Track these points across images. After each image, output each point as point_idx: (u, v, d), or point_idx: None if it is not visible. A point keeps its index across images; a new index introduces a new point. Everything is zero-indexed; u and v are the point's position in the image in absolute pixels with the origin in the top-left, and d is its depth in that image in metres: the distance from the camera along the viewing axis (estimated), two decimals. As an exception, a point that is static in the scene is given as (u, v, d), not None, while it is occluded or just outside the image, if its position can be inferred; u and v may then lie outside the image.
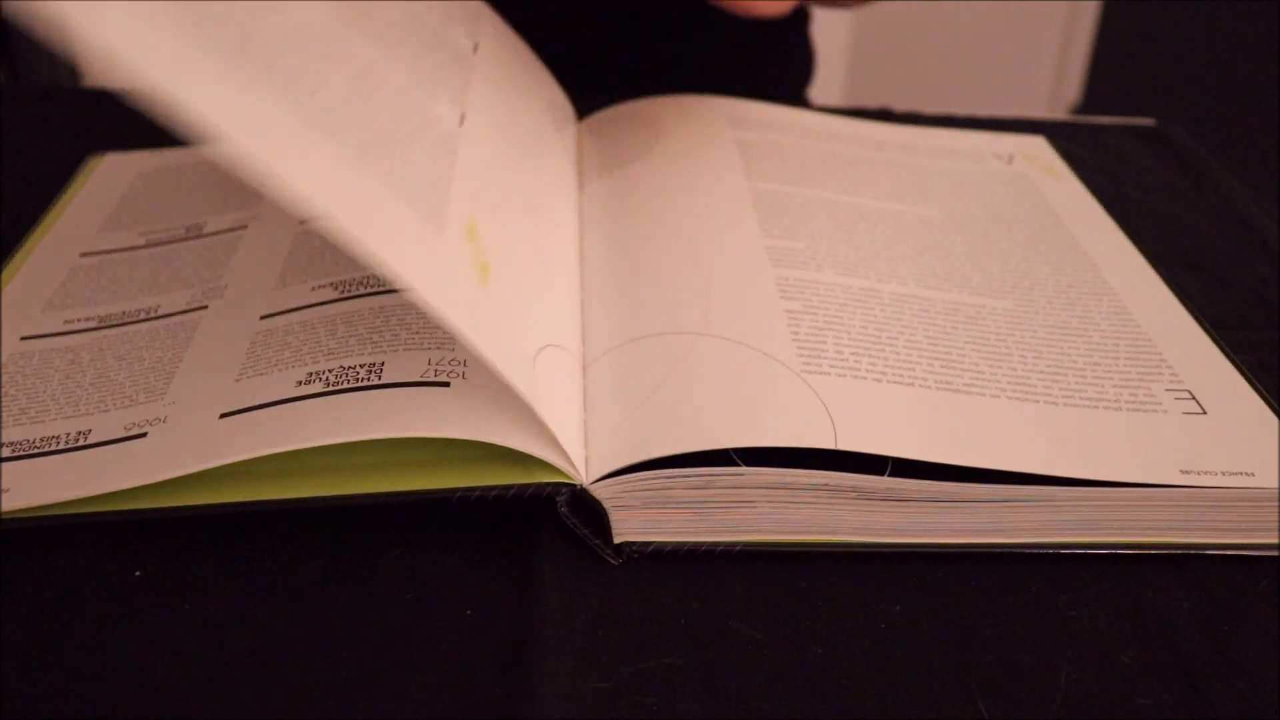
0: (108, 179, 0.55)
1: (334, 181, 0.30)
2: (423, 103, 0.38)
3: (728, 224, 0.48)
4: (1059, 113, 1.99)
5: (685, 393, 0.37)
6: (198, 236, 0.49)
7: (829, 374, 0.38)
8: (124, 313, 0.44)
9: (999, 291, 0.46)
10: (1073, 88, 1.99)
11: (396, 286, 0.31)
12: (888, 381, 0.38)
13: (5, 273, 0.47)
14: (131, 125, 0.63)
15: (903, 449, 0.35)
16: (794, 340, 0.40)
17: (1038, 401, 0.39)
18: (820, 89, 0.87)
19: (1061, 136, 0.62)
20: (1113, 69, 2.01)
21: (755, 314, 0.41)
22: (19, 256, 0.48)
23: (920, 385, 0.39)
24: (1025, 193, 0.55)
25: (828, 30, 0.86)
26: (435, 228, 0.34)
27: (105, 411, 0.38)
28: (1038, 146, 0.60)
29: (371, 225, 0.30)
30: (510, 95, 0.48)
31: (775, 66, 0.82)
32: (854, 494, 0.35)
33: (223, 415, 0.36)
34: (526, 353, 0.36)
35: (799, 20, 0.83)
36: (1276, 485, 0.36)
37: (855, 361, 0.39)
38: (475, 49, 0.48)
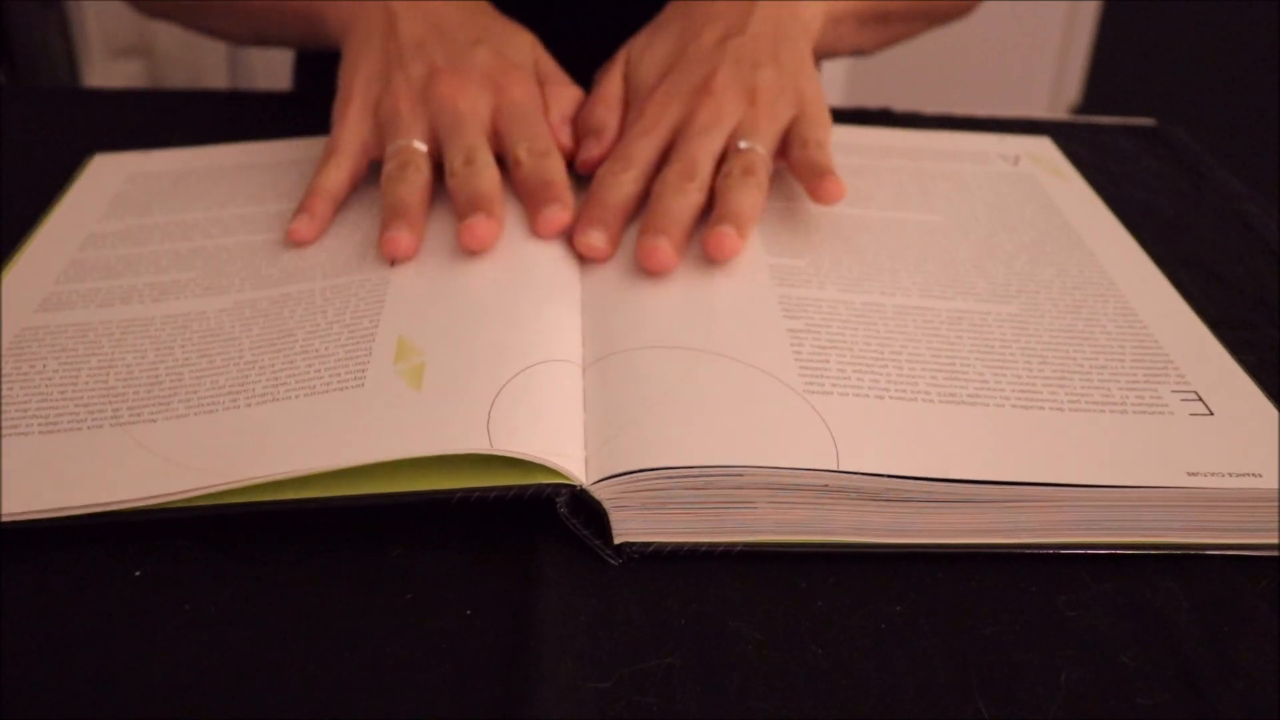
0: (102, 180, 0.55)
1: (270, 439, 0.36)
2: (343, 290, 0.44)
3: None
4: (1059, 113, 1.99)
5: (687, 408, 0.37)
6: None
7: (831, 393, 0.38)
8: (123, 319, 0.44)
9: (1004, 296, 0.45)
10: (1073, 88, 1.99)
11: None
12: (890, 398, 0.38)
13: (6, 270, 0.47)
14: (131, 125, 0.63)
15: (905, 466, 0.35)
16: (796, 360, 0.40)
17: (1043, 408, 0.39)
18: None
19: (1062, 136, 0.62)
20: (1113, 69, 2.01)
21: (757, 333, 0.41)
22: (20, 254, 0.48)
23: (924, 400, 0.39)
24: (1031, 194, 0.55)
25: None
26: (357, 388, 0.38)
27: (94, 427, 0.38)
28: (1043, 147, 0.60)
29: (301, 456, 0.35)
30: None
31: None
32: (854, 494, 0.35)
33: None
34: (482, 401, 0.37)
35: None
36: (1278, 486, 0.36)
37: (858, 380, 0.39)
38: None
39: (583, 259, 0.46)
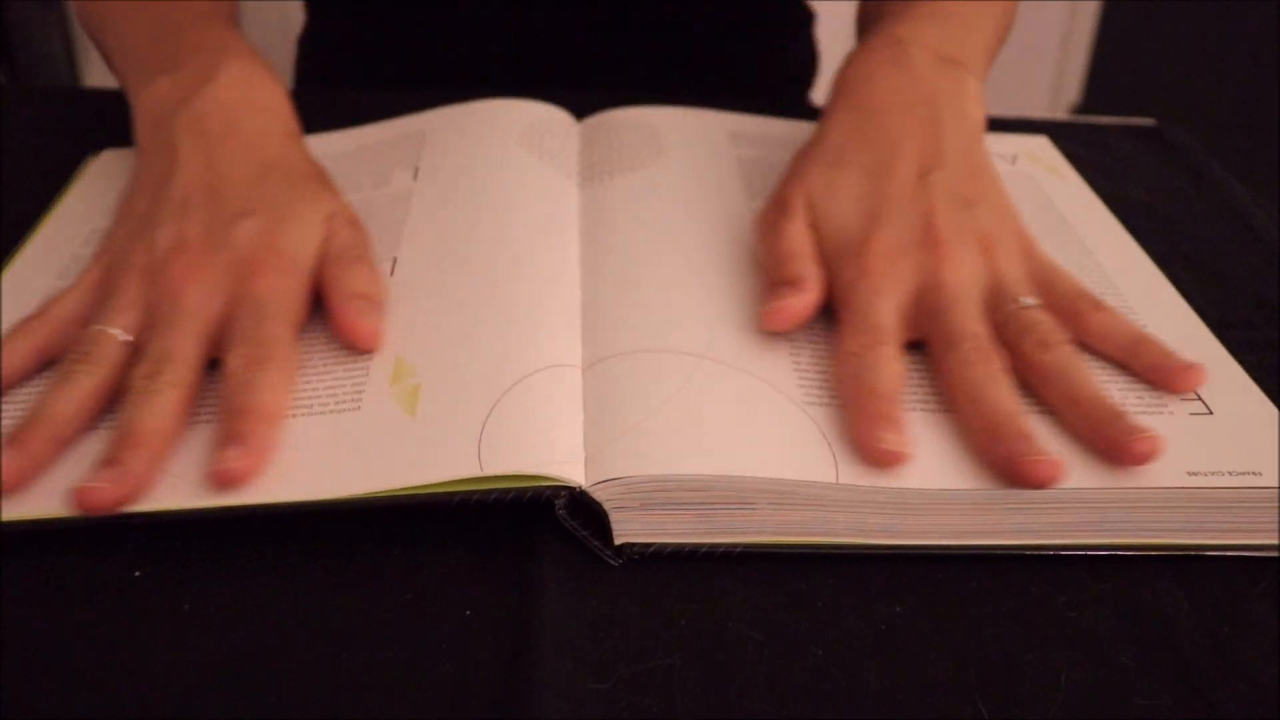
0: (106, 175, 0.55)
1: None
2: None
3: (729, 244, 0.48)
4: (1059, 113, 1.99)
5: (687, 416, 0.37)
6: None
7: (830, 404, 0.38)
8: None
9: None
10: (1073, 88, 1.99)
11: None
12: None
13: (7, 267, 0.47)
14: (131, 125, 0.63)
15: (904, 479, 0.35)
16: (795, 369, 0.40)
17: (1042, 411, 0.39)
18: (822, 90, 0.87)
19: (1062, 136, 0.62)
20: (1113, 69, 2.01)
21: (757, 341, 0.41)
22: (24, 249, 0.48)
23: (922, 409, 0.39)
24: (1029, 193, 0.55)
25: (830, 31, 0.87)
26: (352, 411, 0.38)
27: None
28: (1041, 146, 0.60)
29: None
30: (465, 177, 0.51)
31: (779, 68, 0.82)
32: (854, 497, 0.35)
33: None
34: (475, 421, 0.37)
35: (803, 22, 0.83)
36: (1278, 485, 0.36)
37: None
38: (416, 174, 0.52)
39: (881, 464, 0.36)
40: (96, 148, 0.58)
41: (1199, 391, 0.40)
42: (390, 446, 0.36)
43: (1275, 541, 0.36)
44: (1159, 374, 0.40)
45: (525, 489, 0.35)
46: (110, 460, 0.35)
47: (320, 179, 0.47)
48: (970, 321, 0.40)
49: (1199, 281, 0.49)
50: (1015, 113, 0.67)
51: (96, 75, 1.57)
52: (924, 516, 0.35)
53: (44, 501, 0.35)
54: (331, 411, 0.38)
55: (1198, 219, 0.56)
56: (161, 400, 0.37)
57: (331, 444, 0.37)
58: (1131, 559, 0.36)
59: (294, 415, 0.38)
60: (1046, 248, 0.49)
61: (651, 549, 0.35)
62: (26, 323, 0.41)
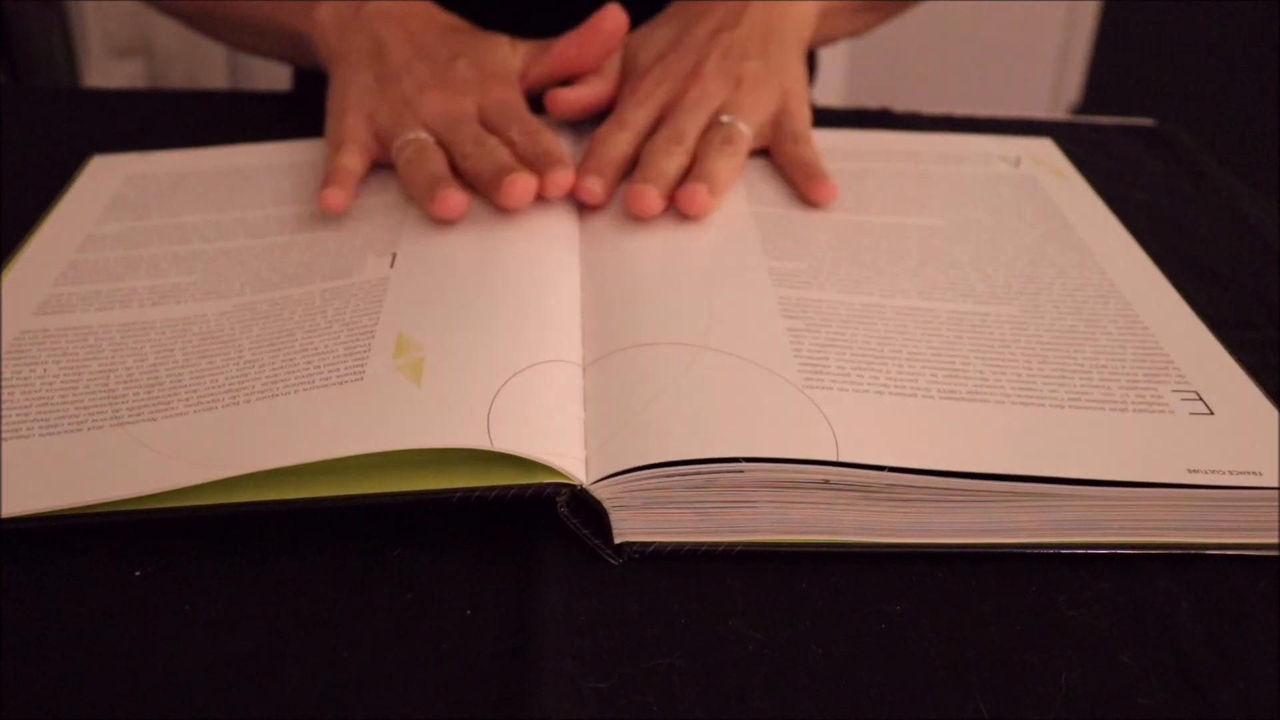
0: (100, 181, 0.55)
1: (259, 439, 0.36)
2: (343, 291, 0.44)
3: (729, 243, 0.48)
4: (1059, 113, 1.99)
5: (687, 402, 0.37)
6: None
7: (831, 388, 0.38)
8: (123, 323, 0.44)
9: (1003, 298, 0.45)
10: (1073, 88, 1.99)
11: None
12: (890, 394, 0.39)
13: (4, 271, 0.47)
14: (131, 125, 0.63)
15: (904, 458, 0.35)
16: (796, 356, 0.40)
17: (1042, 405, 0.39)
18: (820, 89, 0.87)
19: (1061, 137, 0.62)
20: (1113, 69, 2.01)
21: (757, 330, 0.41)
22: (19, 255, 0.48)
23: (923, 396, 0.39)
24: (1031, 196, 0.55)
25: (828, 30, 0.87)
26: (356, 382, 0.38)
27: (97, 427, 0.38)
28: (1045, 148, 0.60)
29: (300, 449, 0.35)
30: None
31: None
32: (854, 492, 0.35)
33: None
34: (483, 399, 0.37)
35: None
36: (1278, 485, 0.36)
37: (857, 376, 0.39)
38: None
39: (583, 207, 0.51)
40: (96, 148, 0.58)
41: (1199, 392, 0.40)
42: (399, 411, 0.36)
43: (1275, 541, 0.36)
44: (800, 188, 0.53)
45: (527, 486, 0.35)
46: (508, 172, 0.48)
47: (480, 30, 0.59)
48: (685, 122, 0.53)
49: (1199, 281, 0.49)
50: (1015, 113, 0.68)
51: (96, 75, 1.57)
52: (924, 514, 0.35)
53: (42, 496, 0.35)
54: (334, 384, 0.38)
55: (1198, 219, 0.56)
56: (503, 150, 0.51)
57: (339, 411, 0.37)
58: (1131, 559, 0.36)
59: (295, 392, 0.38)
60: (1048, 251, 0.50)
61: (651, 548, 0.35)
62: (340, 146, 0.52)
